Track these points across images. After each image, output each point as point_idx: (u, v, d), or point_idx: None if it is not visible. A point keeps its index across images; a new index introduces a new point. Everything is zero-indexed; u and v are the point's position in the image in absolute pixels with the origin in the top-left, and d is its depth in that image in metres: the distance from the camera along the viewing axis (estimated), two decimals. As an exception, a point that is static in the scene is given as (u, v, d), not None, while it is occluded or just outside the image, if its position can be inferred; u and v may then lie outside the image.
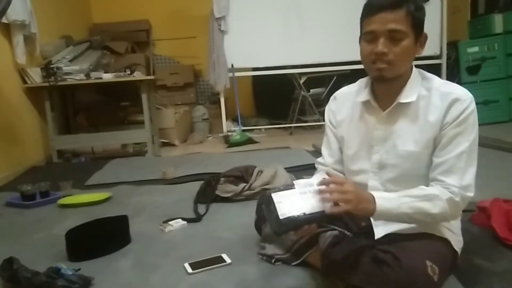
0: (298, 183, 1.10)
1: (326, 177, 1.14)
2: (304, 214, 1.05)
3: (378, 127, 1.25)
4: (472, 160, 1.15)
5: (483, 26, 4.51)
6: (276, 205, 1.05)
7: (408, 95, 1.19)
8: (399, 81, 1.20)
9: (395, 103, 1.21)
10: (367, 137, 1.27)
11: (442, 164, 1.15)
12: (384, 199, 1.12)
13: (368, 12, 1.15)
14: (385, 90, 1.23)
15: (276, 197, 1.06)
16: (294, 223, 1.06)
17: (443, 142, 1.15)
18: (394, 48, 1.12)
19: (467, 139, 1.14)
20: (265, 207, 1.10)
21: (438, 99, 1.17)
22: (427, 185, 1.17)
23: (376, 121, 1.25)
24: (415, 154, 1.19)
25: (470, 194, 1.14)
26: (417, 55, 1.19)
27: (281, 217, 1.03)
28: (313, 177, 1.17)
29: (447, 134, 1.15)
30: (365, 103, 1.28)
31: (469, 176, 1.14)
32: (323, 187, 1.09)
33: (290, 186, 1.09)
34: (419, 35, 1.16)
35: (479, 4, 4.93)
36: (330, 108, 1.40)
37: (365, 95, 1.27)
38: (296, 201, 1.07)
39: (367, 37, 1.15)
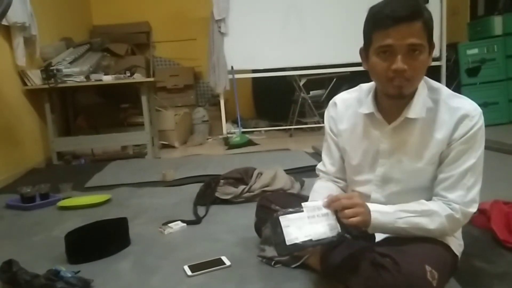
0: (307, 206, 1.09)
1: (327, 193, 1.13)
2: (311, 240, 1.04)
3: (383, 140, 1.20)
4: (477, 177, 1.13)
5: (482, 28, 4.51)
6: (284, 229, 1.03)
7: (416, 110, 1.13)
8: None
9: (402, 118, 1.15)
10: (371, 149, 1.23)
11: (446, 179, 1.13)
12: (379, 213, 1.10)
13: (380, 24, 1.04)
14: (392, 103, 1.16)
15: (284, 220, 1.05)
16: (300, 248, 1.06)
17: (449, 158, 1.13)
18: (413, 63, 1.05)
19: (474, 155, 1.11)
20: (272, 228, 1.08)
21: (446, 114, 1.12)
22: (430, 198, 1.16)
23: (381, 134, 1.20)
24: (421, 170, 1.16)
25: (473, 210, 1.12)
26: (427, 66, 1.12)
27: (287, 243, 1.03)
28: (319, 199, 1.15)
29: (453, 150, 1.12)
30: (369, 115, 1.21)
31: (473, 193, 1.12)
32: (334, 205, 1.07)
33: (298, 209, 1.08)
34: (431, 46, 1.09)
35: (478, 6, 4.94)
36: (331, 115, 1.33)
37: (368, 107, 1.20)
38: (304, 225, 1.05)
39: (382, 51, 1.06)
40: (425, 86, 1.17)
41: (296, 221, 1.05)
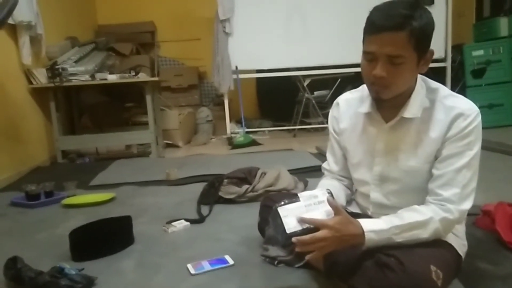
0: (302, 195, 1.12)
1: (327, 192, 1.13)
2: (310, 227, 1.07)
3: (380, 139, 1.22)
4: (472, 175, 1.12)
5: (488, 30, 4.50)
6: (283, 219, 1.07)
7: (412, 110, 1.15)
8: (403, 95, 1.15)
9: (398, 118, 1.17)
10: (370, 148, 1.25)
11: (441, 177, 1.13)
12: (374, 233, 1.08)
13: (369, 30, 1.09)
14: (389, 103, 1.18)
15: (282, 211, 1.08)
16: (300, 235, 1.08)
17: (444, 155, 1.13)
18: (393, 70, 1.07)
19: (468, 153, 1.11)
20: (272, 220, 1.12)
21: (442, 113, 1.13)
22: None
23: (378, 133, 1.23)
24: (417, 168, 1.17)
25: (467, 207, 1.12)
26: (420, 72, 1.14)
27: (288, 232, 1.06)
28: (317, 189, 1.18)
29: (448, 147, 1.12)
30: (368, 114, 1.24)
31: (468, 191, 1.12)
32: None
33: (295, 200, 1.11)
34: (424, 54, 1.09)
35: (484, 7, 4.92)
36: (333, 115, 1.36)
37: (367, 107, 1.22)
38: (302, 214, 1.08)
39: (367, 56, 1.10)
40: (424, 86, 1.18)
41: (294, 211, 1.08)
